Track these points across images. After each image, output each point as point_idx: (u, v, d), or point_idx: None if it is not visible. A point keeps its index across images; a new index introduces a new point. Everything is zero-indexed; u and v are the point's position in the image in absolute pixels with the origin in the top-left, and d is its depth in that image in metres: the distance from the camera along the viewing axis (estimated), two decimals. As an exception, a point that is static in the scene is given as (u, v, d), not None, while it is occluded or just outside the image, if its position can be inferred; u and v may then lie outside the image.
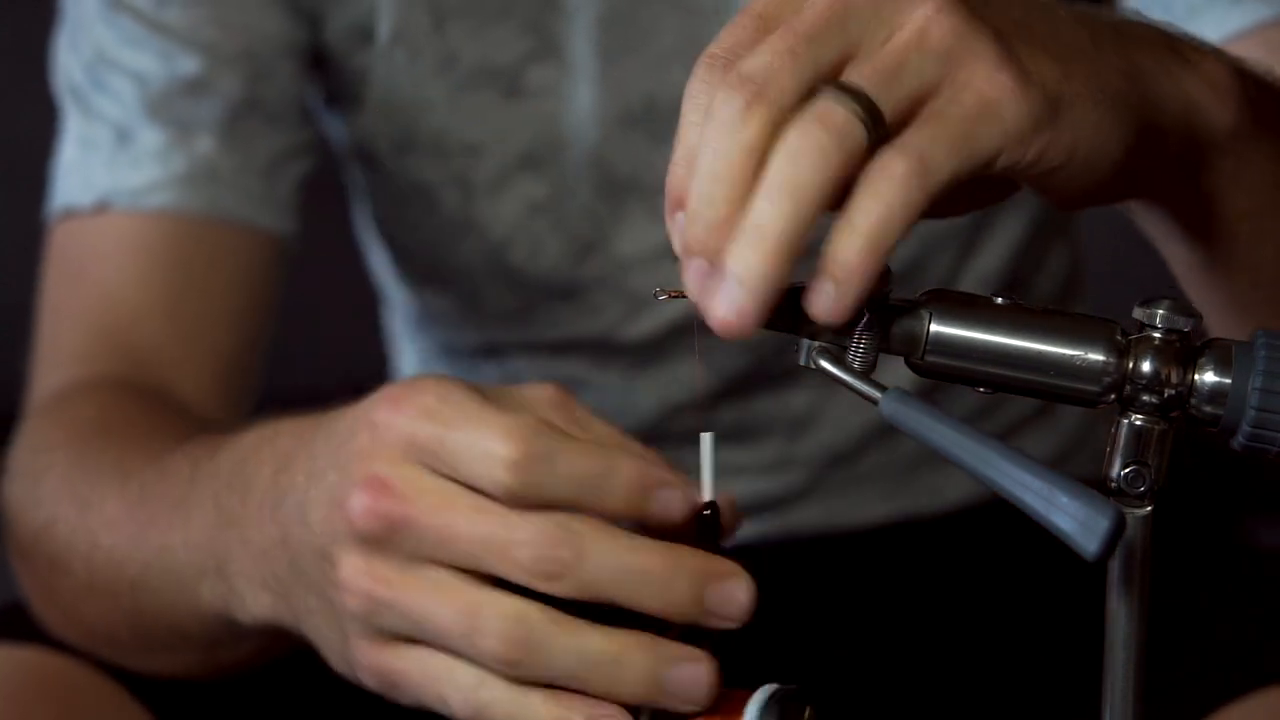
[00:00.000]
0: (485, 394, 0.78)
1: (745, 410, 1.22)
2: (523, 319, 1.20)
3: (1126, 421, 0.73)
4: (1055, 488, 0.68)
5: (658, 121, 1.13)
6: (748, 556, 1.24)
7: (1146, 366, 0.72)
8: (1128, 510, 0.72)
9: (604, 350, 1.21)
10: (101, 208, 1.13)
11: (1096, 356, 0.72)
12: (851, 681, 1.21)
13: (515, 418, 0.75)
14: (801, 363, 0.74)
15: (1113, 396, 0.73)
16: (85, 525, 0.96)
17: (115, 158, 1.13)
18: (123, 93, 1.12)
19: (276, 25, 1.13)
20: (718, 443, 0.79)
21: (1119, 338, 0.72)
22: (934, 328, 0.73)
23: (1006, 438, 1.19)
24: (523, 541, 0.74)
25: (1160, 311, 0.72)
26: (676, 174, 0.71)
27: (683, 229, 0.70)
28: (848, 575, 1.25)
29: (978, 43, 0.71)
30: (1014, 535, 1.22)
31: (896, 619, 1.23)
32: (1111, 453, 0.73)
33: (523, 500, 0.75)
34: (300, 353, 1.22)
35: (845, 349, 0.73)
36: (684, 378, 1.20)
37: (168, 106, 1.12)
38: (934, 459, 1.25)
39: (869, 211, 0.68)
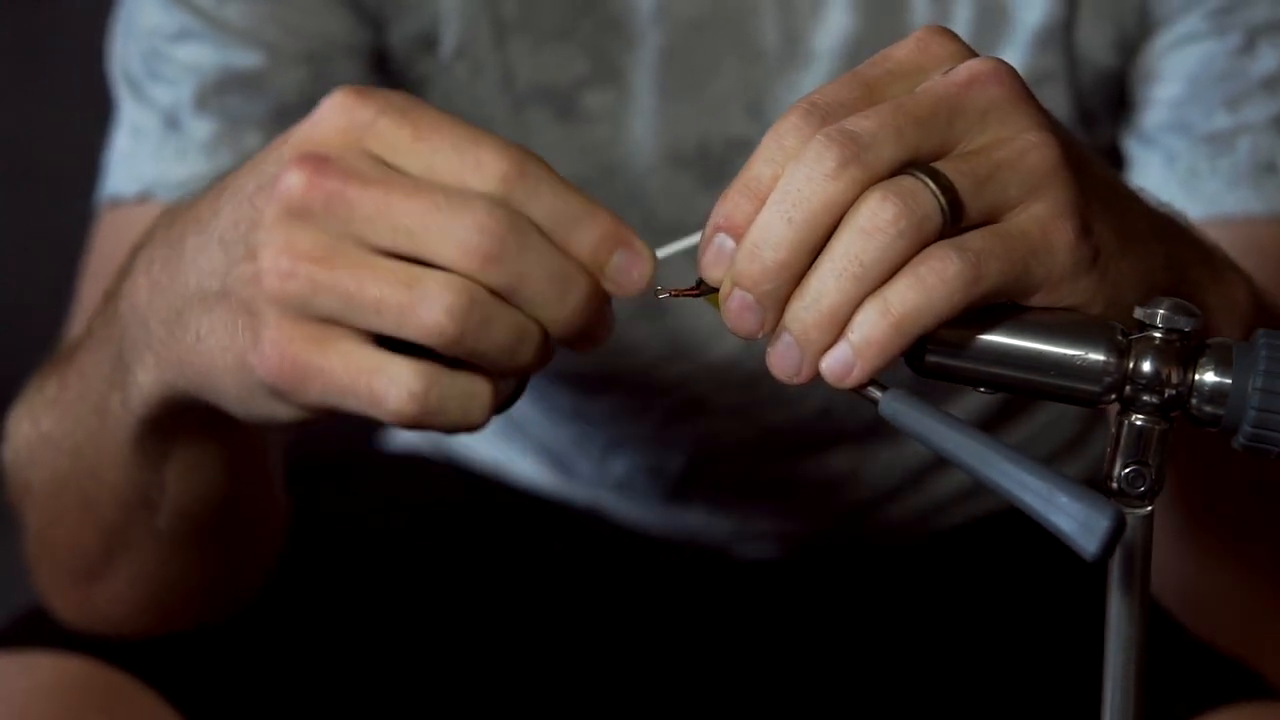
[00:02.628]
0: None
1: (783, 470, 1.22)
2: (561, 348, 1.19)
3: (1127, 421, 0.73)
4: (1055, 488, 0.68)
5: (708, 165, 1.12)
6: (764, 572, 1.25)
7: (1147, 366, 0.72)
8: (1128, 510, 0.72)
9: (640, 393, 1.19)
10: (145, 198, 1.11)
11: (1097, 356, 0.72)
12: (855, 683, 1.21)
13: (505, 140, 0.72)
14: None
15: (1113, 396, 0.73)
16: (36, 427, 0.95)
17: (162, 147, 1.11)
18: (177, 81, 1.11)
19: (339, 27, 1.11)
20: (671, 472, 0.78)
21: (1119, 338, 0.72)
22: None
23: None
24: (469, 223, 0.70)
25: (1161, 311, 0.72)
26: (735, 201, 0.72)
27: (726, 252, 0.72)
28: (855, 585, 1.25)
29: (1062, 185, 0.74)
30: (1014, 536, 1.23)
31: (897, 619, 1.24)
32: (1112, 453, 0.73)
33: (486, 193, 0.72)
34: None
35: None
36: (719, 431, 1.20)
37: (220, 98, 1.10)
38: (959, 497, 1.25)
39: (907, 300, 0.71)
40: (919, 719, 1.20)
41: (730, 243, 0.72)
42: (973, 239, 0.72)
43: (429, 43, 1.12)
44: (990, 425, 1.23)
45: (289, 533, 1.05)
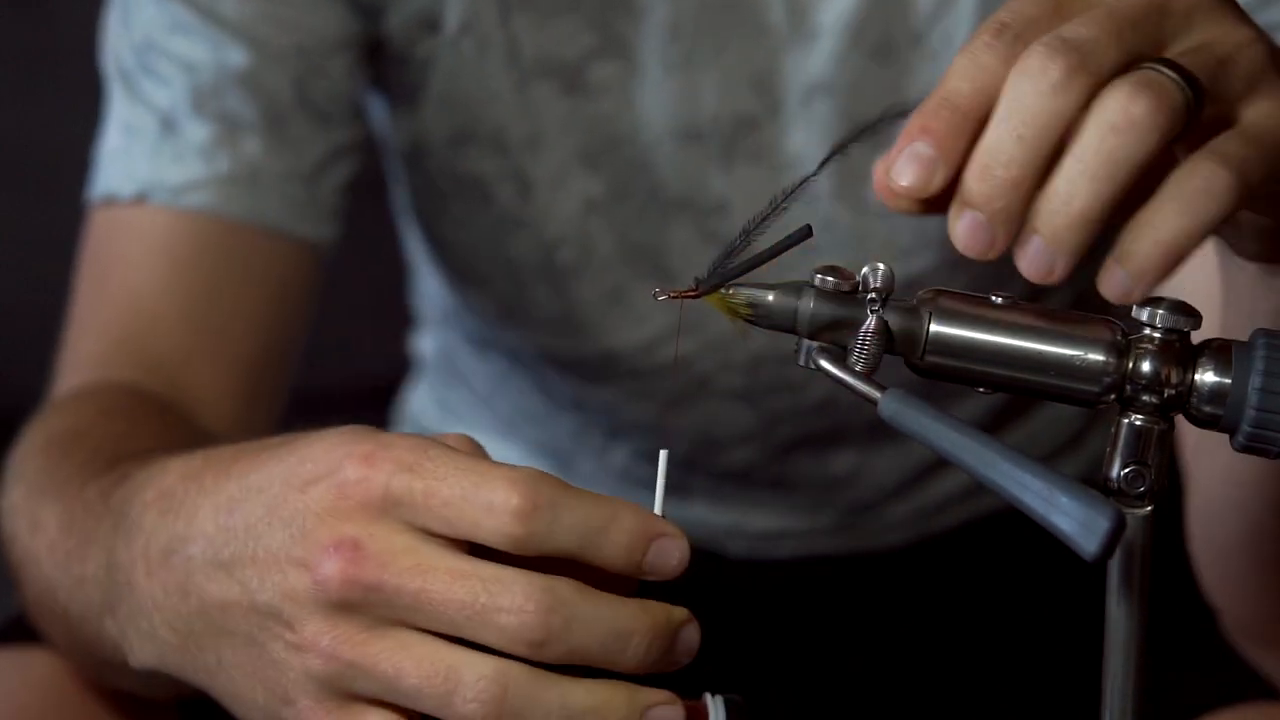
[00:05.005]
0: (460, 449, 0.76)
1: (787, 469, 1.22)
2: (564, 325, 1.19)
3: (1126, 422, 0.73)
4: (1055, 488, 0.68)
5: (715, 139, 1.12)
6: (764, 573, 1.25)
7: (1146, 367, 0.72)
8: (1128, 511, 0.72)
9: (642, 376, 1.19)
10: (141, 199, 1.11)
11: (1096, 357, 0.72)
12: (852, 683, 1.21)
13: (512, 468, 0.73)
14: (801, 363, 0.74)
15: (1113, 397, 0.73)
16: (33, 546, 0.94)
17: (159, 149, 1.11)
18: (171, 80, 1.11)
19: (332, 20, 1.11)
20: (671, 461, 0.79)
21: (1119, 338, 0.72)
22: (934, 328, 0.73)
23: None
24: (509, 609, 0.72)
25: (1160, 312, 0.72)
26: (935, 111, 0.71)
27: (923, 159, 0.71)
28: (858, 588, 1.25)
29: (1276, 79, 0.73)
30: (1014, 536, 1.23)
31: (895, 619, 1.24)
32: (1111, 453, 0.73)
33: (526, 551, 0.73)
34: (315, 352, 1.20)
35: (846, 350, 0.73)
36: (721, 416, 1.20)
37: (216, 100, 1.10)
38: (960, 497, 1.25)
39: (1174, 224, 0.69)
40: (918, 719, 1.20)
41: (927, 149, 0.71)
42: (1229, 144, 0.71)
43: (430, 23, 1.12)
44: (990, 426, 1.23)
45: None
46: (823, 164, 0.75)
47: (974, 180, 0.70)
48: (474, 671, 0.72)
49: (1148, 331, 0.72)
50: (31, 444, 1.01)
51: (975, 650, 1.21)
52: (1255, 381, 0.71)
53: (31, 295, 1.74)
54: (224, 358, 1.11)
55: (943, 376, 0.73)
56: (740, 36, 1.11)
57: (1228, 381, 0.72)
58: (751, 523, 1.24)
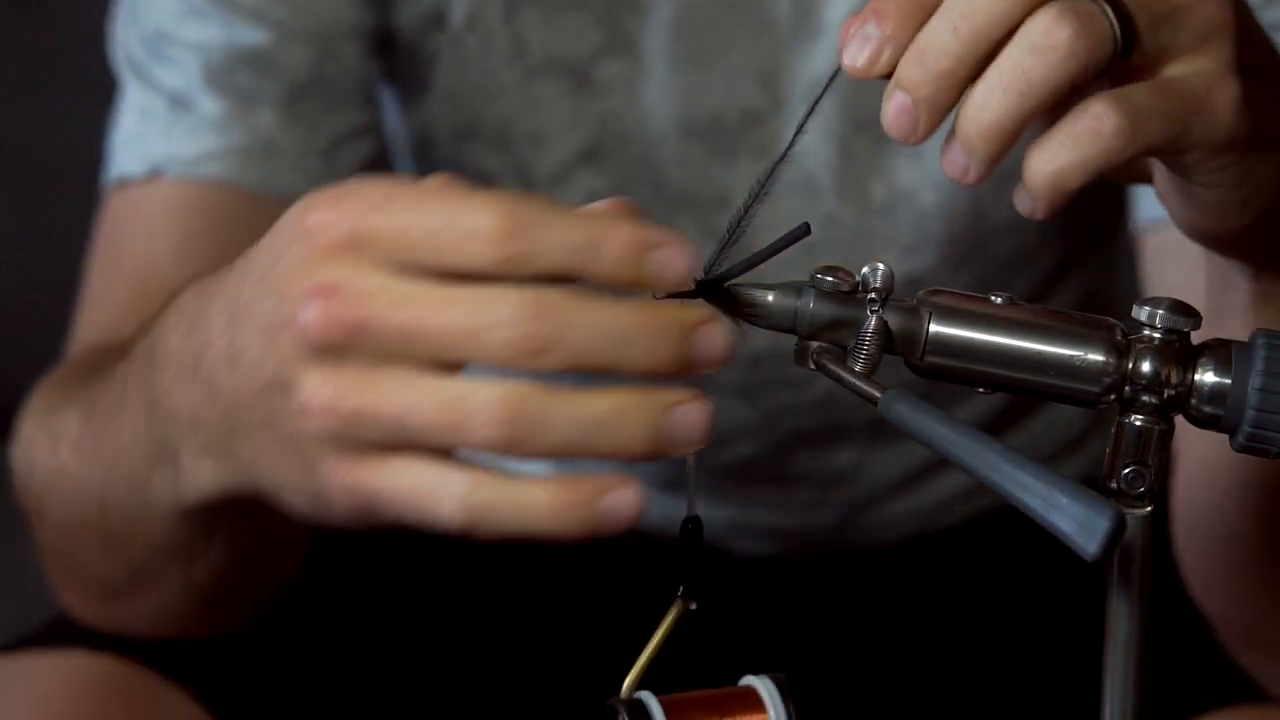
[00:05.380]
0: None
1: (788, 465, 1.22)
2: None
3: (1126, 422, 0.73)
4: (1055, 489, 0.68)
5: (720, 136, 1.12)
6: (763, 570, 1.25)
7: (1146, 367, 0.72)
8: (1128, 511, 0.72)
9: None
10: (154, 175, 1.10)
11: (1096, 357, 0.72)
12: (850, 682, 1.21)
13: (487, 193, 0.70)
14: (800, 364, 0.74)
15: (1112, 397, 0.72)
16: (56, 459, 0.93)
17: (172, 126, 1.10)
18: (183, 63, 1.10)
19: (345, 7, 1.11)
20: (699, 463, 0.77)
21: (1119, 338, 0.72)
22: (933, 328, 0.73)
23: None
24: (501, 322, 0.68)
25: (1160, 312, 0.72)
26: None
27: (871, 40, 0.73)
28: (857, 585, 1.25)
29: (1228, 43, 0.73)
30: (1015, 537, 1.23)
31: (897, 618, 1.23)
32: (1112, 453, 0.73)
33: (510, 275, 0.69)
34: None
35: (846, 350, 0.73)
36: (722, 412, 1.19)
37: (229, 76, 1.09)
38: (961, 496, 1.25)
39: (1059, 157, 0.72)
40: (918, 717, 1.20)
41: (875, 31, 0.73)
42: (1136, 92, 0.72)
43: (437, 19, 1.12)
44: (993, 428, 1.23)
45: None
46: (788, 147, 0.75)
47: (907, 64, 0.72)
48: (482, 396, 0.69)
49: (1147, 332, 0.72)
50: (39, 389, 1.01)
51: (975, 649, 1.21)
52: (1255, 382, 0.72)
53: (32, 295, 1.74)
54: None
55: (942, 376, 0.73)
56: (746, 33, 1.11)
57: (1228, 382, 0.72)
58: (752, 519, 1.24)
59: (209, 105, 1.09)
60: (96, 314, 1.11)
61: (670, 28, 1.11)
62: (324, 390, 0.71)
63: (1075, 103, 0.72)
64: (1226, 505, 0.96)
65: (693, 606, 0.76)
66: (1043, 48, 0.71)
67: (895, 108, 0.73)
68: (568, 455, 0.70)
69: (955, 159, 0.73)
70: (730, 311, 0.75)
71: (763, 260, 0.74)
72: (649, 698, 0.75)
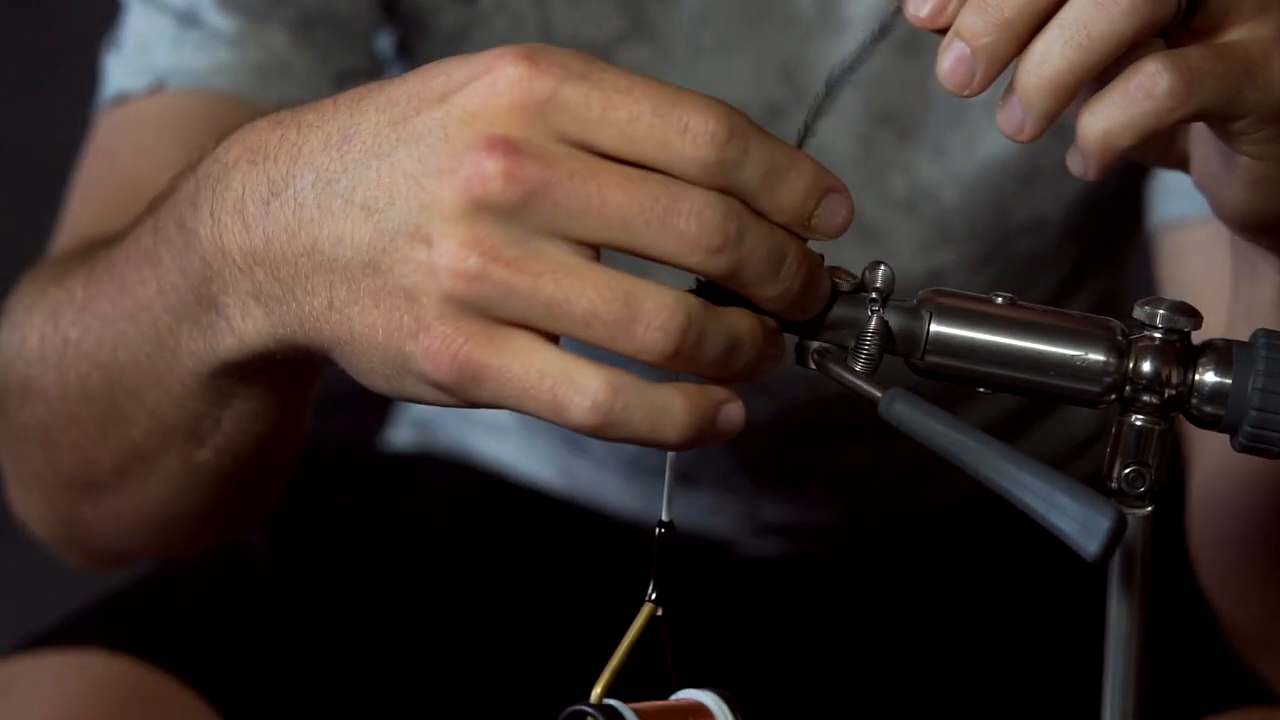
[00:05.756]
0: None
1: (799, 461, 1.22)
2: None
3: (1127, 422, 0.73)
4: (1055, 488, 0.68)
5: None
6: (769, 568, 1.25)
7: (1147, 367, 0.72)
8: (1128, 511, 0.72)
9: None
10: (157, 88, 1.06)
11: (1097, 357, 0.72)
12: (852, 682, 1.21)
13: (704, 96, 0.68)
14: (800, 363, 0.74)
15: (1113, 397, 0.72)
16: (56, 329, 0.87)
17: (181, 41, 1.06)
18: None
19: None
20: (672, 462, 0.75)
21: (1119, 338, 0.72)
22: (934, 328, 0.73)
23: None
24: (691, 211, 0.66)
25: (1161, 311, 0.72)
26: None
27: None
28: (861, 584, 1.25)
29: None
30: (1014, 535, 1.23)
31: (897, 618, 1.23)
32: (1112, 453, 0.73)
33: (712, 182, 0.67)
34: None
35: (846, 350, 0.73)
36: (748, 405, 1.19)
37: None
38: (966, 495, 1.25)
39: (1110, 115, 0.71)
40: (921, 718, 1.20)
41: None
42: (1191, 54, 0.72)
43: None
44: (1001, 432, 1.23)
45: (307, 534, 1.05)
46: (799, 144, 0.75)
47: (969, 13, 0.72)
48: (657, 299, 0.67)
49: (1148, 331, 0.72)
50: (29, 276, 0.95)
51: (977, 649, 1.20)
52: (1256, 382, 0.71)
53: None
54: None
55: (943, 376, 0.73)
56: (770, 25, 1.11)
57: (1228, 381, 0.72)
58: (760, 515, 1.24)
59: (221, 22, 1.06)
60: (84, 218, 1.05)
61: (695, 17, 1.10)
62: (474, 253, 0.67)
63: (1131, 62, 0.72)
64: (1244, 506, 0.96)
65: (659, 612, 0.75)
66: (1106, 2, 0.70)
67: (953, 57, 0.72)
68: (702, 372, 0.69)
69: (1011, 115, 0.72)
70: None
71: None
72: (622, 706, 0.74)
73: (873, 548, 1.25)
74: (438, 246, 0.67)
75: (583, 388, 0.68)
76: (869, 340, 0.73)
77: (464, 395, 0.69)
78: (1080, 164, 0.73)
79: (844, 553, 1.25)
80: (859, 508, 1.24)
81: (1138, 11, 0.71)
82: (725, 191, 0.68)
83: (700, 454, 1.22)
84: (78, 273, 0.87)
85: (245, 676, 1.05)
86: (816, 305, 0.72)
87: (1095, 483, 0.71)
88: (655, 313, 0.67)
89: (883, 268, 0.73)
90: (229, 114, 1.00)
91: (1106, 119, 0.71)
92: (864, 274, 0.73)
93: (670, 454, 0.74)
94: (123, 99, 1.07)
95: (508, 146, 0.66)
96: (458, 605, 1.20)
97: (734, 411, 0.71)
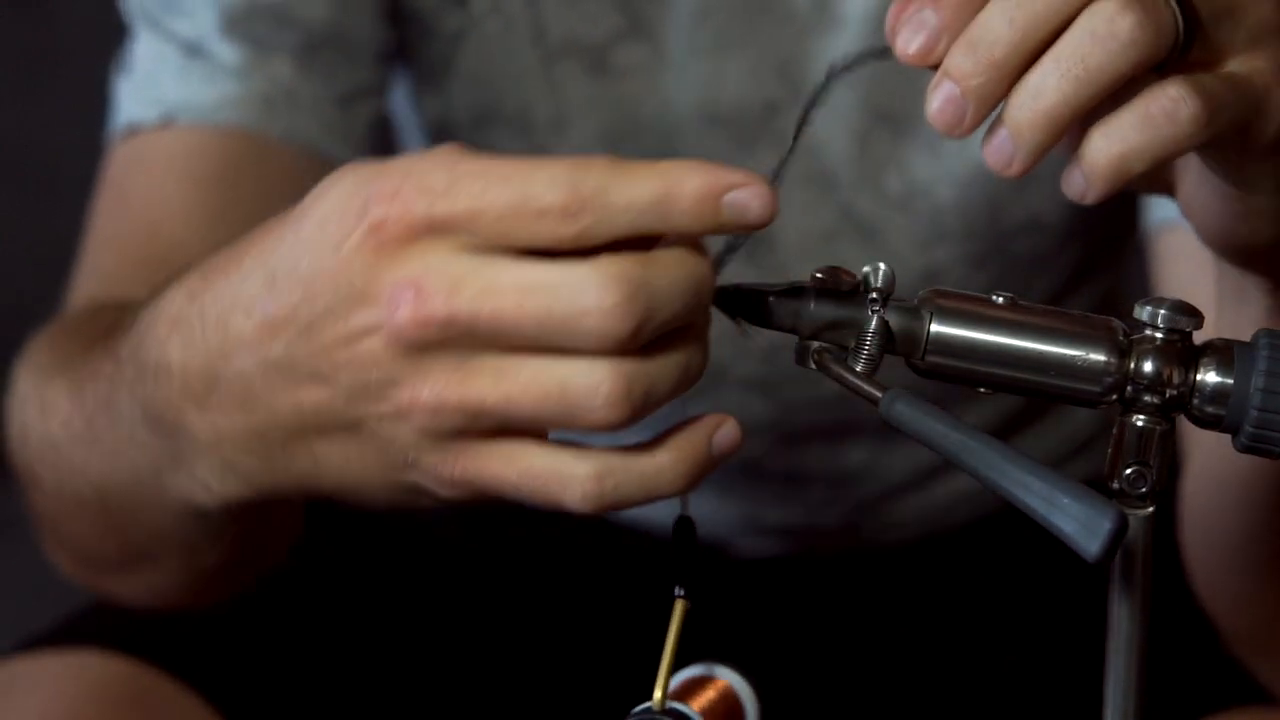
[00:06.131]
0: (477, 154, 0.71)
1: (799, 461, 1.22)
2: None
3: (1128, 422, 0.73)
4: (1056, 489, 0.68)
5: (740, 125, 1.12)
6: (770, 570, 1.25)
7: (1148, 367, 0.72)
8: (1129, 511, 0.72)
9: None
10: (168, 121, 1.07)
11: (1098, 357, 0.72)
12: (853, 683, 1.21)
13: (548, 163, 0.68)
14: (801, 363, 0.74)
15: (1114, 397, 0.72)
16: (46, 429, 0.89)
17: (187, 72, 1.07)
18: (198, 12, 1.08)
19: None
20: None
21: (1120, 338, 0.72)
22: (934, 328, 0.73)
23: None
24: (590, 309, 0.68)
25: (1162, 311, 0.72)
26: None
27: (927, 26, 0.71)
28: (862, 585, 1.25)
29: None
30: (1014, 535, 1.23)
31: (901, 620, 1.23)
32: (1113, 453, 0.73)
33: (589, 245, 0.68)
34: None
35: (846, 350, 0.73)
36: (737, 406, 1.19)
37: (247, 25, 1.07)
38: (968, 496, 1.25)
39: (1129, 138, 0.70)
40: (921, 717, 1.20)
41: (933, 17, 0.71)
42: (1208, 81, 0.71)
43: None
44: (1000, 432, 1.23)
45: (309, 534, 1.05)
46: (795, 138, 0.75)
47: (959, 54, 0.70)
48: (587, 379, 0.69)
49: (1149, 331, 0.72)
50: (38, 339, 0.97)
51: (978, 649, 1.20)
52: (1257, 382, 0.71)
53: (32, 295, 1.73)
54: None
55: (943, 377, 0.73)
56: (766, 23, 1.11)
57: (1230, 382, 0.72)
58: (760, 517, 1.24)
59: (226, 53, 1.07)
60: (99, 261, 1.07)
61: (691, 15, 1.10)
62: (424, 388, 0.69)
63: (1127, 96, 0.71)
64: (1238, 509, 0.95)
65: (678, 592, 0.76)
66: (1104, 35, 0.69)
67: (943, 98, 0.71)
68: (677, 394, 0.71)
69: (1000, 149, 0.71)
70: (731, 312, 0.75)
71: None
72: (686, 708, 0.75)
73: (872, 549, 1.25)
74: (393, 397, 0.70)
75: (571, 481, 0.70)
76: (869, 340, 0.73)
77: (477, 496, 0.72)
78: (1080, 186, 0.71)
79: (843, 554, 1.25)
80: (858, 509, 1.24)
81: (1136, 45, 0.69)
82: (611, 242, 0.69)
83: None
84: (63, 377, 0.89)
85: (244, 677, 1.05)
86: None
87: (1094, 483, 0.71)
88: (591, 394, 0.69)
89: (883, 267, 0.73)
90: (237, 148, 1.05)
91: (1122, 142, 0.70)
92: (864, 274, 0.73)
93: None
94: (134, 130, 1.09)
95: (412, 288, 0.68)
96: (458, 605, 1.20)
97: (728, 434, 0.72)
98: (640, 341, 0.69)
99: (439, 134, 1.17)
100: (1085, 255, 1.20)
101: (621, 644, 1.18)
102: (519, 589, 1.22)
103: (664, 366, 0.70)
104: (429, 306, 0.68)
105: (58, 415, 0.89)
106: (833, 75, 0.75)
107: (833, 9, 1.10)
